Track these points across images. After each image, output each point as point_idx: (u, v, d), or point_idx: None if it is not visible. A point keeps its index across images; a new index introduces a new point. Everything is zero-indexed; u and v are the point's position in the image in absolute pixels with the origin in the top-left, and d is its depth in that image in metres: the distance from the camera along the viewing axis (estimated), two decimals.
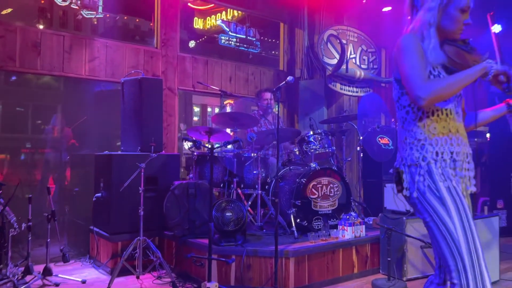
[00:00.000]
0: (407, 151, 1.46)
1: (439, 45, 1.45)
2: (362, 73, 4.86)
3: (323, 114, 4.70)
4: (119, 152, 3.29)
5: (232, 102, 6.47)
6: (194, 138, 2.72)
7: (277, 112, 3.25)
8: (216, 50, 4.71)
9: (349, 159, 4.08)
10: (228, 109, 6.56)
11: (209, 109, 7.31)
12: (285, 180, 3.31)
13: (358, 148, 4.13)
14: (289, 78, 2.69)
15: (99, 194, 3.28)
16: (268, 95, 4.05)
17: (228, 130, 3.29)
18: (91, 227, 3.39)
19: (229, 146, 3.48)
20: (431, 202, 1.39)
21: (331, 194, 3.26)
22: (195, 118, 7.06)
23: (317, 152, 3.44)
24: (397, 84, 1.49)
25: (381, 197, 3.61)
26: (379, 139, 4.05)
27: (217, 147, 2.64)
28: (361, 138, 4.01)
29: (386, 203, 3.30)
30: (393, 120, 4.32)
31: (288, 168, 3.47)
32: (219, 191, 3.38)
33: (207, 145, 2.67)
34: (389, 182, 3.69)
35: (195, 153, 3.40)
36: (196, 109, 7.19)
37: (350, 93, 4.85)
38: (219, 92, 3.90)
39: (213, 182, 3.26)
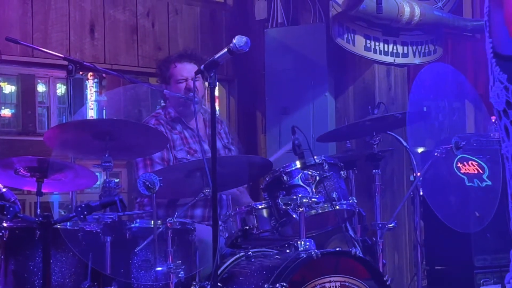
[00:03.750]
0: None
1: None
2: (417, 11, 4.92)
3: (324, 112, 4.97)
4: None
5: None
6: (1, 188, 3.36)
7: (213, 112, 3.22)
8: None
9: (391, 225, 4.03)
10: (91, 113, 7.35)
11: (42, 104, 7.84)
12: (235, 286, 3.43)
13: (412, 196, 4.18)
14: (238, 40, 2.91)
15: None
16: (188, 69, 4.10)
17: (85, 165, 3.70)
18: None
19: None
20: None
21: None
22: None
23: (312, 212, 3.51)
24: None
25: None
26: (460, 165, 4.47)
27: (64, 219, 3.03)
28: (417, 174, 4.13)
29: None
30: (493, 120, 4.70)
31: (242, 254, 3.55)
32: None
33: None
34: (487, 273, 4.27)
35: (5, 226, 3.45)
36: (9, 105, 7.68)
37: (387, 59, 4.99)
38: (64, 64, 3.87)
39: None
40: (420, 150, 4.73)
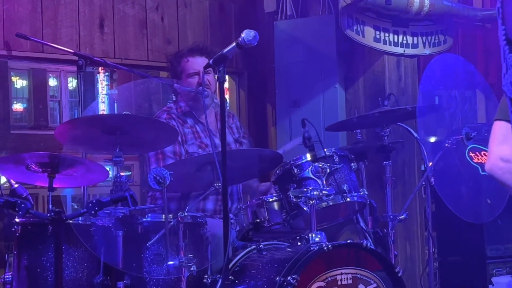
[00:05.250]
0: None
1: None
2: (427, 1, 4.91)
3: (334, 104, 4.97)
4: None
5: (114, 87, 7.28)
6: (13, 184, 3.37)
7: (222, 106, 3.28)
8: None
9: (402, 216, 4.04)
10: (102, 107, 7.15)
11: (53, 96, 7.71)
12: (246, 279, 3.42)
13: (424, 187, 4.19)
14: (246, 34, 2.89)
15: None
16: (199, 62, 4.05)
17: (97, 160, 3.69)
18: None
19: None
20: None
21: None
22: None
23: (323, 205, 3.51)
24: None
25: None
26: (472, 154, 4.48)
27: (76, 215, 3.06)
28: (429, 164, 4.07)
29: None
30: None
31: (254, 247, 3.56)
32: None
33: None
34: (500, 263, 4.31)
35: (17, 222, 3.47)
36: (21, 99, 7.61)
37: (397, 50, 5.00)
38: (75, 59, 3.88)
39: None
40: (432, 139, 4.75)
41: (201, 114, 4.10)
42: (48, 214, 2.82)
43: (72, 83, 7.90)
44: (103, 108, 7.39)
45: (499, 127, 2.64)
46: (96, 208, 2.71)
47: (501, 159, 2.60)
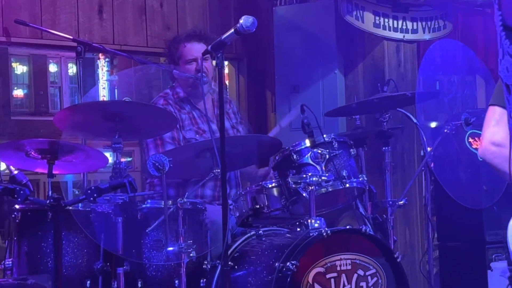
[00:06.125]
0: None
1: None
2: None
3: (334, 89, 4.95)
4: None
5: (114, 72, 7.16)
6: (12, 171, 3.38)
7: (220, 93, 3.16)
8: None
9: (401, 202, 4.04)
10: (103, 92, 7.16)
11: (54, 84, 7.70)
12: (246, 265, 3.44)
13: (423, 173, 4.21)
14: (245, 20, 2.88)
15: None
16: (197, 49, 4.05)
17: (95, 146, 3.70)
18: None
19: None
20: None
21: None
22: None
23: (322, 191, 3.52)
24: None
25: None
26: (471, 140, 4.52)
27: (75, 201, 3.10)
28: (428, 149, 4.09)
29: None
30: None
31: (253, 233, 3.58)
32: None
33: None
34: (499, 249, 4.30)
35: (17, 208, 3.46)
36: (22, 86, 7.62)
37: (396, 36, 4.97)
38: (74, 45, 3.89)
39: (66, 277, 3.30)
40: (433, 125, 4.76)
41: (198, 101, 4.09)
42: (48, 201, 2.81)
43: (72, 69, 7.88)
44: (103, 94, 7.41)
45: (492, 112, 2.66)
46: (95, 195, 2.71)
47: (493, 144, 2.62)
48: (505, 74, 1.75)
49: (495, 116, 2.63)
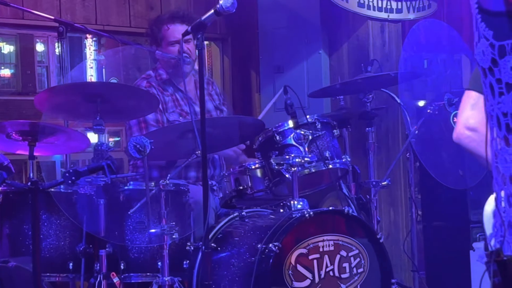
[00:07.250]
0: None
1: None
2: None
3: (318, 70, 4.99)
4: None
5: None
6: None
7: (201, 74, 3.17)
8: None
9: (385, 182, 4.06)
10: (90, 73, 7.24)
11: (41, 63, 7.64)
12: (229, 247, 3.49)
13: (408, 155, 4.23)
14: (225, 1, 2.85)
15: None
16: (180, 30, 3.87)
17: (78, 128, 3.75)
18: None
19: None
20: None
21: (344, 276, 3.36)
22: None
23: (305, 172, 3.57)
24: None
25: (467, 269, 4.11)
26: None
27: (53, 184, 3.07)
28: (413, 129, 4.09)
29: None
30: None
31: (236, 214, 3.62)
32: (62, 280, 3.55)
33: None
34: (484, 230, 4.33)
35: None
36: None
37: (381, 15, 4.96)
38: (55, 25, 3.92)
39: (49, 259, 3.38)
40: (421, 103, 4.78)
41: (180, 82, 4.07)
42: (27, 184, 2.81)
43: (59, 48, 7.89)
44: (91, 74, 7.40)
45: (468, 97, 2.66)
46: (73, 178, 2.73)
47: (467, 128, 2.63)
48: (481, 58, 1.74)
49: (470, 100, 2.63)
